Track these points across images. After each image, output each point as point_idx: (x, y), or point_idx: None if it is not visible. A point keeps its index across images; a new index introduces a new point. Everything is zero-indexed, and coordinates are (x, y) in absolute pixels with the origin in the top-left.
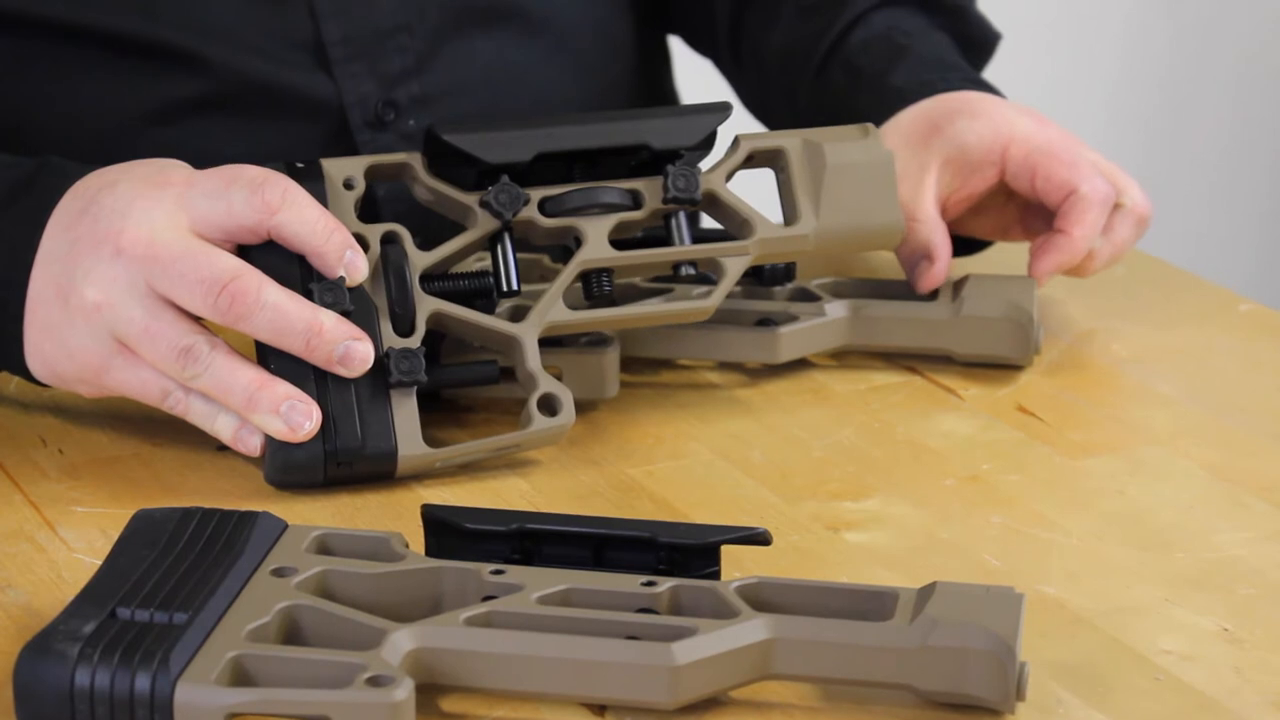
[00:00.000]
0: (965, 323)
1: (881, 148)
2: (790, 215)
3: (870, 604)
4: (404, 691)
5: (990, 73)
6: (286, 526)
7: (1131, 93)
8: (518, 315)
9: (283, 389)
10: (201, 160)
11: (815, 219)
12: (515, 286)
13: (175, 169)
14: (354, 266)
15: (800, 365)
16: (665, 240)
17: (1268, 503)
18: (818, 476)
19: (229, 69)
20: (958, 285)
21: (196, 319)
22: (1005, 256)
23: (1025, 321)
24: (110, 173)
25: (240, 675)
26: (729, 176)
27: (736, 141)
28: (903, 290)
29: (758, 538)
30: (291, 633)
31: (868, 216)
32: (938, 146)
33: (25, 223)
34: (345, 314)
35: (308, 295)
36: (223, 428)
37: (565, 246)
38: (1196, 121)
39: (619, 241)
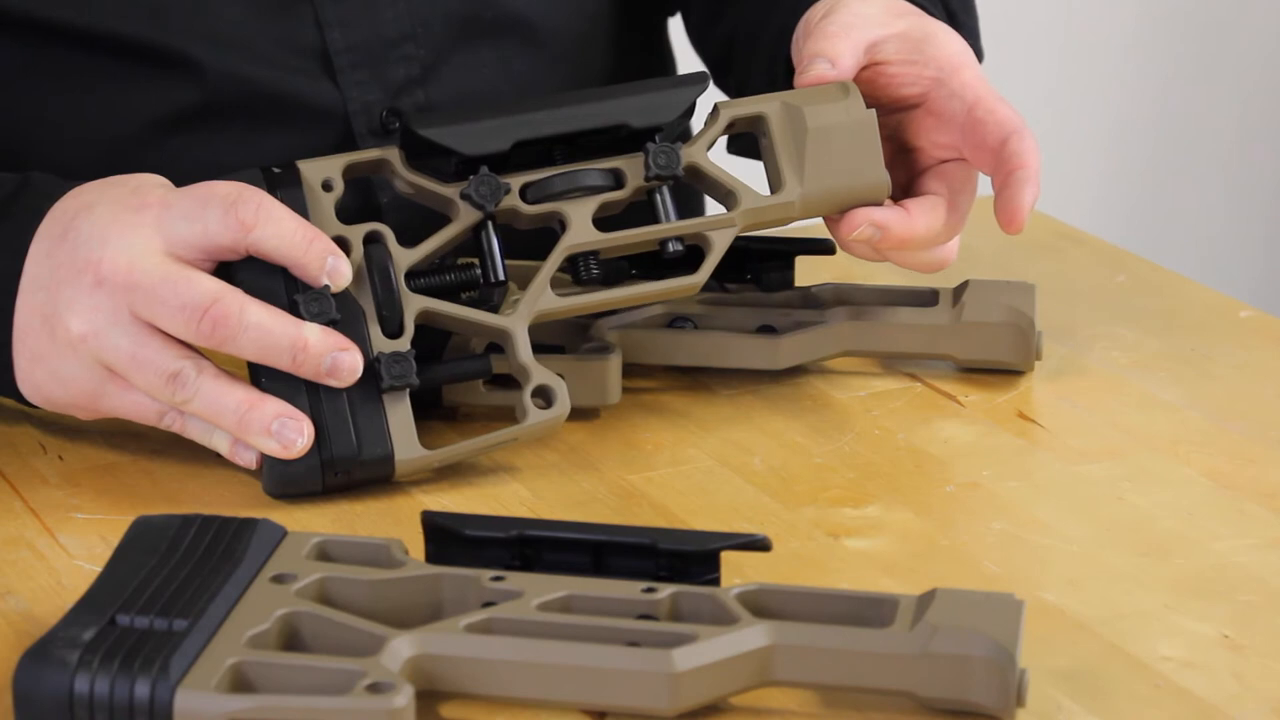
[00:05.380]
0: (966, 328)
1: (862, 106)
2: (775, 183)
3: (870, 610)
4: (404, 698)
5: (999, 74)
6: (286, 533)
7: (1139, 98)
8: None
9: (272, 407)
10: (207, 168)
11: (800, 185)
12: (502, 276)
13: (151, 189)
14: (337, 273)
15: (800, 371)
16: (650, 217)
17: (1268, 509)
18: (818, 483)
19: (234, 76)
20: (958, 291)
21: (184, 342)
22: (1006, 260)
23: (1026, 327)
24: (88, 193)
25: (240, 682)
26: (710, 146)
27: (716, 110)
28: (903, 296)
29: (758, 544)
30: (291, 639)
31: (853, 178)
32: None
33: (7, 249)
34: (332, 323)
35: (294, 306)
36: (219, 443)
37: (550, 230)
38: (1203, 127)
39: (604, 221)
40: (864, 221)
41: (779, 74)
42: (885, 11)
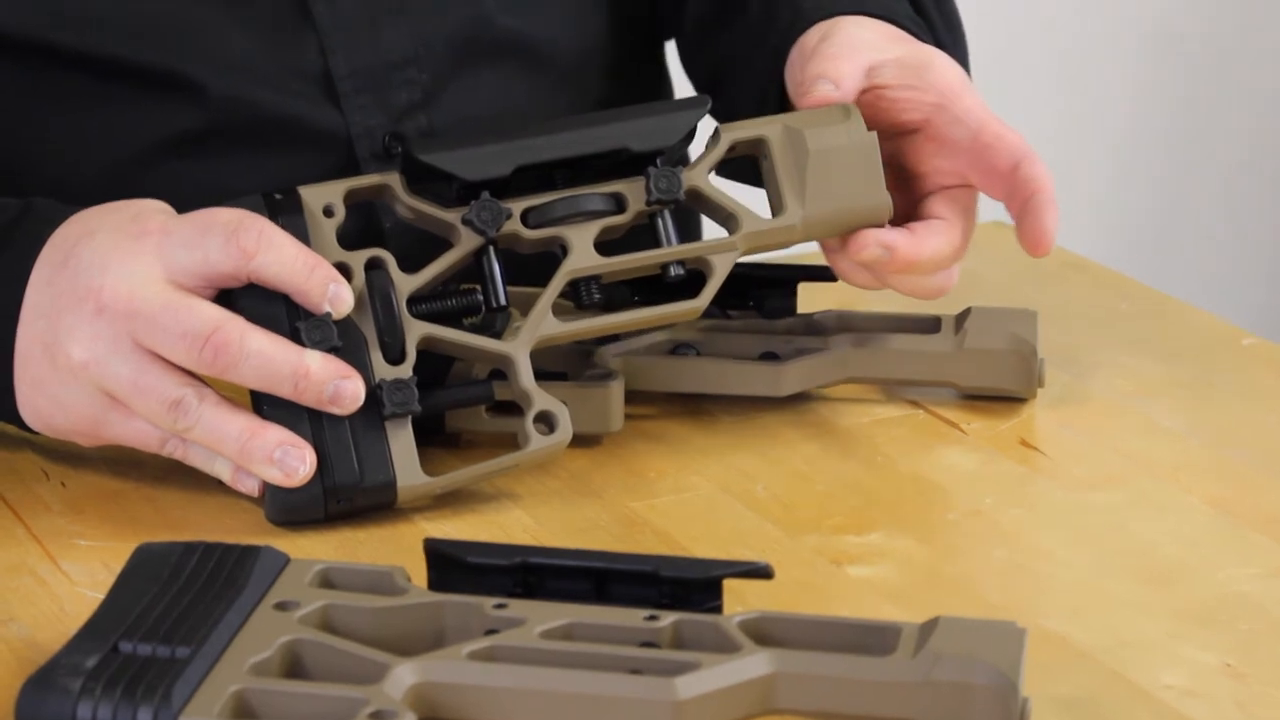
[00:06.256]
0: (969, 355)
1: (863, 129)
2: (776, 206)
3: (873, 638)
4: None
5: (1001, 102)
6: (289, 561)
7: (1142, 125)
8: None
9: (274, 435)
10: (209, 192)
11: (801, 208)
12: (503, 302)
13: (151, 215)
14: (339, 300)
15: (803, 399)
16: (651, 240)
17: (1271, 538)
18: (820, 510)
19: (237, 100)
20: (961, 318)
21: (185, 369)
22: (1009, 287)
23: (1029, 354)
24: (89, 219)
25: (242, 709)
26: (711, 169)
27: (717, 134)
28: (906, 323)
29: (760, 572)
30: (294, 667)
31: (854, 200)
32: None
33: (8, 276)
34: (334, 350)
35: (295, 333)
36: (221, 470)
37: (552, 255)
38: (1207, 153)
39: (605, 245)
40: (872, 242)
41: (772, 95)
42: (881, 37)
